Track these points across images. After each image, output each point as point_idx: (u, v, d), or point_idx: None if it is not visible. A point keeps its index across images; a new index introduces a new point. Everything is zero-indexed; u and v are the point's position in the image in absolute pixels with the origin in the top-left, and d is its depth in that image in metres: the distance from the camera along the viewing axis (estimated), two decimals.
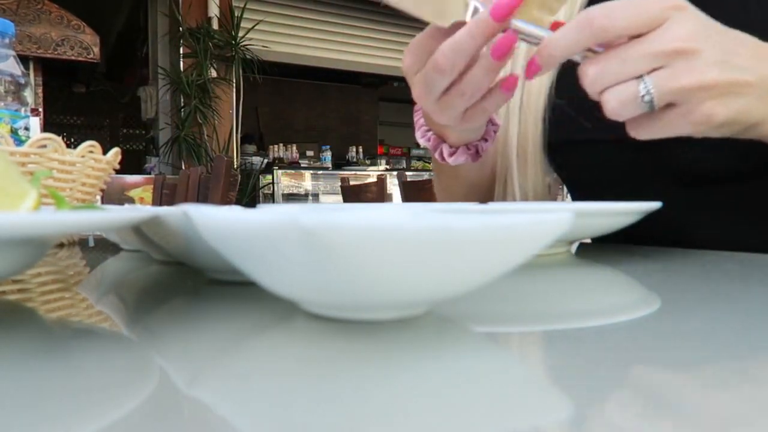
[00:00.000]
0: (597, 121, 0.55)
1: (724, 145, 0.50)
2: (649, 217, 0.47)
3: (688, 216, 0.54)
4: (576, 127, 0.56)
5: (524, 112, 0.59)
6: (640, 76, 0.34)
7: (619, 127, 0.55)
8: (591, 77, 0.35)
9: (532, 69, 0.37)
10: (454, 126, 0.44)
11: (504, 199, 0.63)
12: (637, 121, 0.37)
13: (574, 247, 0.52)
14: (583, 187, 0.63)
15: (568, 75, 0.56)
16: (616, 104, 0.35)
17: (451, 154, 0.54)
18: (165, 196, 2.13)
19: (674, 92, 0.34)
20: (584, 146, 0.57)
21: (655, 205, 0.43)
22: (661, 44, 0.34)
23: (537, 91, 0.58)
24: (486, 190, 0.66)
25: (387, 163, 5.48)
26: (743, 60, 0.35)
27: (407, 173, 2.59)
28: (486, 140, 0.54)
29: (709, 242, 0.51)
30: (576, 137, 0.57)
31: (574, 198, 0.65)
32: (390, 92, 6.08)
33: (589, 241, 0.62)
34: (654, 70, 0.34)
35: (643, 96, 0.34)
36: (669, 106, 0.35)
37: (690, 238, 0.54)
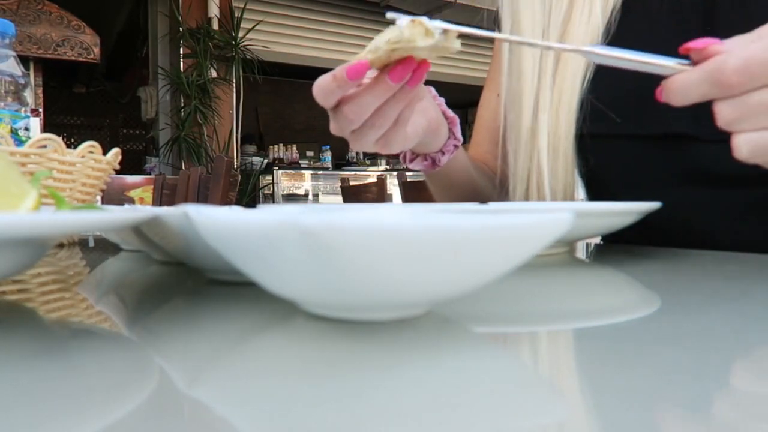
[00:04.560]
0: (625, 117, 0.55)
1: None
2: (669, 218, 0.47)
3: (707, 217, 0.54)
4: (604, 121, 0.56)
5: (555, 110, 0.59)
6: None
7: (644, 123, 0.55)
8: (726, 119, 0.33)
9: (661, 99, 0.36)
10: (378, 151, 0.46)
11: (526, 199, 0.62)
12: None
13: (575, 248, 0.52)
14: (601, 183, 0.62)
15: (601, 71, 0.57)
16: (747, 152, 0.33)
17: (411, 160, 0.57)
18: (165, 196, 2.13)
19: None
20: (610, 140, 0.57)
21: (654, 205, 0.43)
22: None
23: (570, 87, 0.58)
24: (477, 194, 0.66)
25: (387, 164, 5.47)
26: None
27: (407, 173, 2.59)
28: (443, 153, 0.56)
29: (730, 244, 0.51)
30: (603, 131, 0.57)
31: (589, 197, 0.65)
32: None
33: (595, 240, 0.62)
34: None
35: None
36: None
37: (711, 240, 0.53)
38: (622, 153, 0.58)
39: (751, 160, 0.33)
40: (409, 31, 0.36)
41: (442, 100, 0.56)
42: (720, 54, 0.32)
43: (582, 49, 0.37)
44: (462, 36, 0.38)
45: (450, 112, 0.56)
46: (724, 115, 0.33)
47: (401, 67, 0.39)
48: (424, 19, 0.36)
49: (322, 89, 0.39)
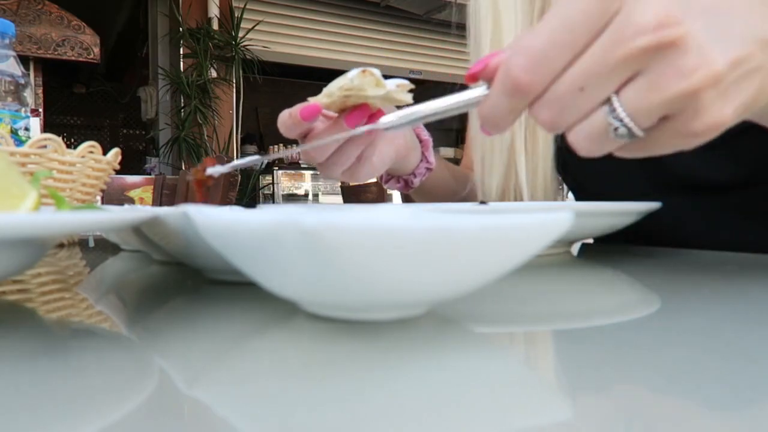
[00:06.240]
0: None
1: (720, 153, 0.50)
2: (652, 223, 0.47)
3: (689, 223, 0.55)
4: None
5: (532, 130, 0.59)
6: (607, 100, 0.26)
7: None
8: (548, 122, 0.27)
9: (487, 134, 0.31)
10: (345, 181, 0.50)
11: None
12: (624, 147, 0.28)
13: (574, 248, 0.52)
14: (586, 192, 0.63)
15: None
16: (585, 146, 0.27)
17: (386, 181, 0.60)
18: (165, 196, 2.13)
19: (662, 106, 0.25)
20: None
21: (654, 205, 0.43)
22: (624, 45, 0.24)
23: None
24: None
25: None
26: (737, 24, 0.25)
27: None
28: (416, 176, 0.58)
29: (711, 247, 0.52)
30: None
31: (578, 200, 0.65)
32: None
33: (590, 241, 0.62)
34: (625, 82, 0.25)
35: (616, 129, 0.26)
36: (660, 120, 0.26)
37: (692, 244, 0.54)
38: (602, 164, 0.58)
39: (595, 153, 0.27)
40: (359, 80, 0.38)
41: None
42: (502, 62, 0.27)
43: (377, 127, 0.34)
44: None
45: (424, 135, 0.57)
46: (544, 119, 0.27)
47: (356, 112, 0.41)
48: (375, 71, 0.38)
49: (282, 124, 0.42)
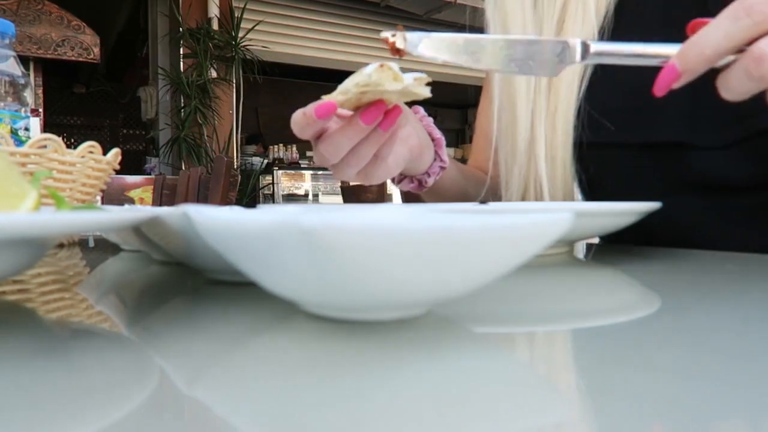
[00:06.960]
0: (621, 125, 0.55)
1: (740, 152, 0.50)
2: (660, 223, 0.47)
3: (704, 223, 0.54)
4: (599, 130, 0.56)
5: (552, 118, 0.58)
6: None
7: (639, 131, 0.55)
8: None
9: (667, 79, 0.30)
10: (360, 183, 0.48)
11: None
12: None
13: (575, 248, 0.52)
14: (600, 190, 0.62)
15: (597, 80, 0.56)
16: None
17: (399, 181, 0.59)
18: (165, 196, 2.13)
19: None
20: (604, 149, 0.57)
21: (654, 205, 0.43)
22: None
23: (566, 96, 0.57)
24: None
25: None
26: None
27: None
28: (429, 175, 0.57)
29: (731, 250, 0.51)
30: (600, 140, 0.56)
31: (586, 198, 0.65)
32: None
33: (593, 240, 0.62)
34: None
35: None
36: None
37: (711, 247, 0.53)
38: (620, 161, 0.58)
39: None
40: (376, 75, 0.37)
41: (430, 120, 0.56)
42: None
43: (588, 60, 0.34)
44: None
45: (437, 133, 0.56)
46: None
47: (372, 108, 0.40)
48: (393, 65, 0.37)
49: (296, 124, 0.41)
